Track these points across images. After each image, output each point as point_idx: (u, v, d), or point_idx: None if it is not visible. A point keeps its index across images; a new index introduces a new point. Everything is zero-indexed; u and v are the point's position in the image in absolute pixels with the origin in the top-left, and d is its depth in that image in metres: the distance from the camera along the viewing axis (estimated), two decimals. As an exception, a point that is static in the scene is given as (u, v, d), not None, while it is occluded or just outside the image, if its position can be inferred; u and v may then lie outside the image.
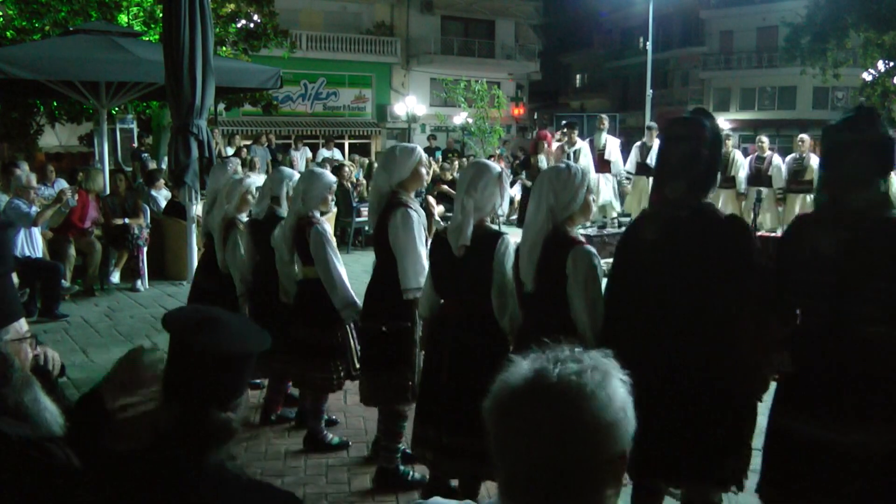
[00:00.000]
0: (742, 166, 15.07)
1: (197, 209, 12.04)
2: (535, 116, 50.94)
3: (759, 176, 15.01)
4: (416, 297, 4.86)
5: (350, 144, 39.64)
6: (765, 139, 15.69)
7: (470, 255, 4.42)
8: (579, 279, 3.97)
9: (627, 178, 15.53)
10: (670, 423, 3.69)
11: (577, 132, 15.05)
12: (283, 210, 6.14)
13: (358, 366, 5.64)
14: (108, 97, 14.00)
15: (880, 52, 28.48)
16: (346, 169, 16.79)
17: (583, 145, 14.80)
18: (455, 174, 18.05)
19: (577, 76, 63.13)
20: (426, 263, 4.83)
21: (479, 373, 3.54)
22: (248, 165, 17.90)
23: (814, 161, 14.52)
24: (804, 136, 15.32)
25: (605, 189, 15.23)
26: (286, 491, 2.25)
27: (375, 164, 19.51)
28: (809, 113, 47.13)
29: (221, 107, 22.06)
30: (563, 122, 17.68)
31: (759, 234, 13.41)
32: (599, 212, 14.95)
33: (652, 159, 14.95)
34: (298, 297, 5.83)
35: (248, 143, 24.39)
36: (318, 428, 5.99)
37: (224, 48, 19.60)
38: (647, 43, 33.85)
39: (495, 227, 4.65)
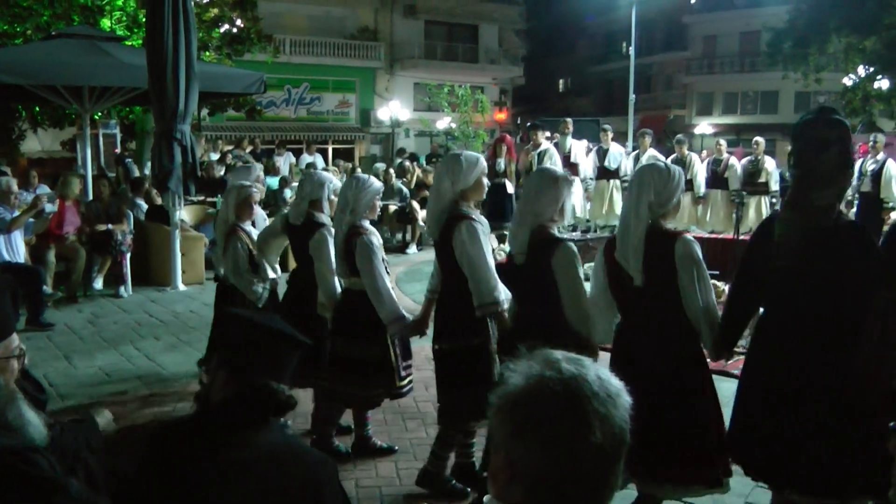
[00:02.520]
0: (699, 170, 15.24)
1: (181, 214, 12.03)
2: (519, 121, 51.03)
3: (716, 178, 15.26)
4: (494, 311, 4.75)
5: (334, 149, 39.59)
6: (723, 142, 16.07)
7: (529, 262, 4.51)
8: (687, 268, 4.03)
9: (591, 180, 15.63)
10: (801, 428, 3.74)
11: (541, 134, 15.07)
12: (325, 216, 5.99)
13: (400, 383, 5.57)
14: (91, 102, 13.95)
15: (861, 56, 28.73)
16: (329, 174, 16.76)
17: (548, 147, 14.82)
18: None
19: (561, 81, 63.28)
20: (496, 275, 4.79)
21: None
22: (231, 169, 17.84)
23: (769, 164, 14.98)
24: (759, 138, 15.64)
25: (575, 194, 15.25)
26: (323, 455, 2.70)
27: (360, 170, 19.52)
28: (792, 117, 47.36)
29: (205, 112, 21.99)
30: (528, 123, 17.82)
31: (707, 235, 13.78)
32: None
33: (611, 162, 15.48)
34: (340, 308, 5.66)
35: (231, 147, 24.34)
36: (364, 434, 5.98)
37: (207, 53, 19.56)
38: (630, 48, 33.95)
39: (560, 233, 4.67)
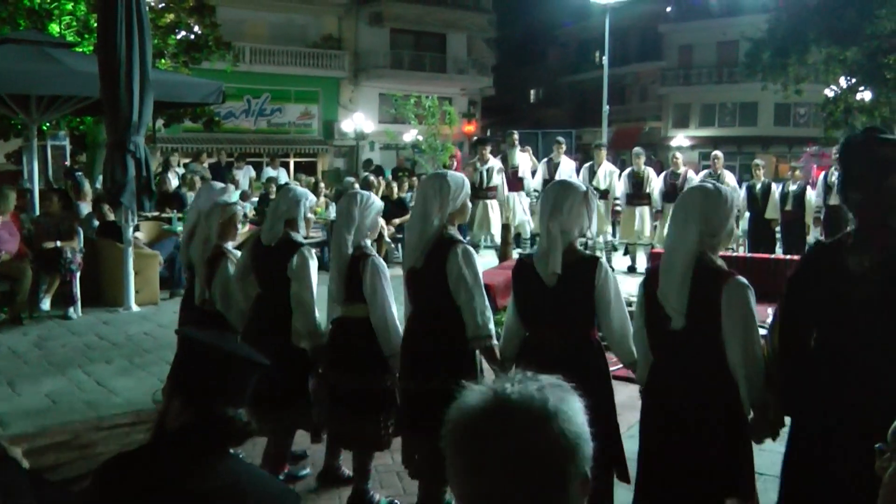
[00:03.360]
0: (656, 184, 15.47)
1: (135, 231, 11.90)
2: (489, 133, 51.24)
3: (675, 192, 15.22)
4: (487, 345, 4.70)
5: (295, 163, 39.48)
6: (679, 155, 16.26)
7: (563, 282, 4.33)
8: (734, 317, 3.75)
9: (535, 194, 15.76)
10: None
11: (489, 149, 15.31)
12: (301, 236, 5.79)
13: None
14: (38, 112, 13.79)
15: (842, 67, 29.03)
16: (293, 188, 16.71)
17: (495, 163, 15.03)
18: (405, 193, 18.07)
19: (532, 91, 63.61)
20: (489, 306, 4.72)
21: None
22: (189, 185, 17.75)
23: (729, 178, 15.24)
24: (717, 152, 16.12)
25: (518, 209, 15.55)
26: (286, 487, 2.74)
27: (322, 184, 19.45)
28: (771, 129, 48.19)
29: (160, 123, 21.85)
30: (475, 138, 18.05)
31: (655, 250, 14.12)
32: (516, 231, 15.56)
33: (561, 177, 15.19)
34: (338, 340, 5.40)
35: (188, 160, 24.18)
36: (364, 488, 5.48)
37: (163, 61, 19.45)
38: (604, 57, 34.12)
39: (588, 250, 4.58)
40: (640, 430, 4.15)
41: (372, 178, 18.98)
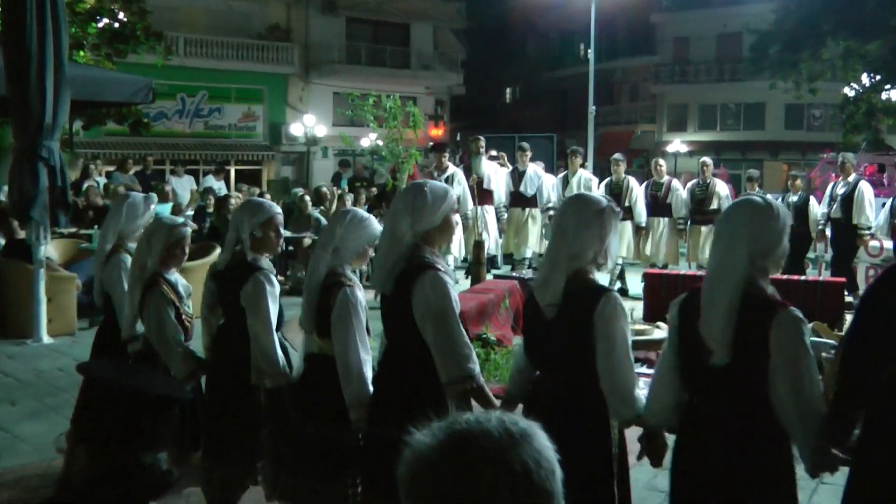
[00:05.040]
0: (638, 195, 15.63)
1: (47, 250, 11.74)
2: (459, 137, 51.29)
3: (657, 205, 15.82)
4: (468, 388, 4.46)
5: (237, 171, 39.38)
6: (662, 162, 16.61)
7: (563, 315, 4.21)
8: (786, 355, 3.70)
9: (504, 208, 15.90)
10: None
11: (447, 156, 15.52)
12: (264, 258, 5.68)
13: None
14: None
15: (863, 63, 28.88)
16: (232, 201, 16.57)
17: (455, 171, 15.12)
18: (362, 206, 17.99)
19: (509, 90, 63.97)
20: (468, 342, 4.51)
21: (571, 462, 3.56)
22: (113, 197, 17.58)
23: (720, 188, 15.75)
24: (706, 159, 16.41)
25: (490, 224, 15.73)
26: None
27: (268, 196, 19.31)
28: (781, 133, 48.35)
29: (78, 125, 21.66)
30: (430, 143, 18.14)
31: (666, 271, 14.27)
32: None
33: (527, 187, 16.02)
34: (308, 380, 5.25)
35: (112, 168, 23.98)
36: None
37: (82, 53, 19.29)
38: (590, 51, 34.31)
39: (602, 278, 4.33)
40: (671, 477, 4.14)
41: (325, 188, 18.93)
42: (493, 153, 17.61)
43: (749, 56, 33.40)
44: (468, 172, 15.48)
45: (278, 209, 5.80)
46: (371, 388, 4.86)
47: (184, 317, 5.97)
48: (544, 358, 4.40)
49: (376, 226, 5.20)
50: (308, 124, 38.06)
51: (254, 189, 22.88)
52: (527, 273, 14.20)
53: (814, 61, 29.60)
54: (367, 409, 4.81)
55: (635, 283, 15.51)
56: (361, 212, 5.31)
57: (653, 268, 14.85)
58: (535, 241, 16.12)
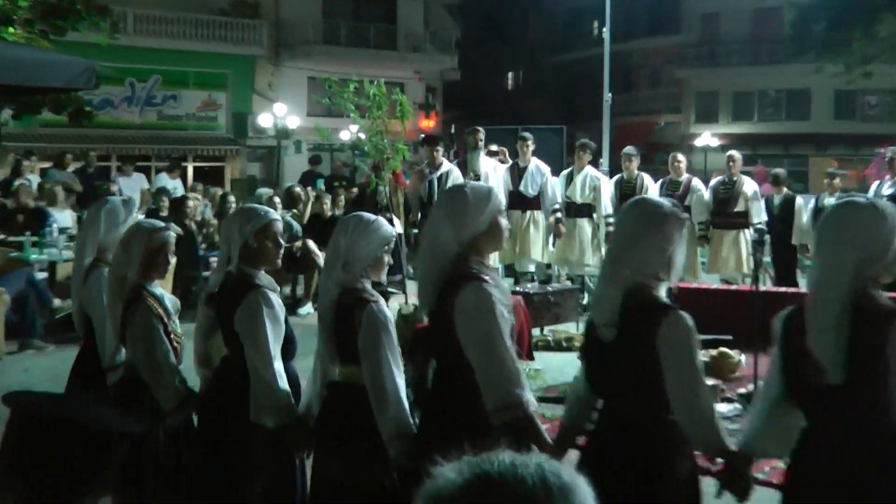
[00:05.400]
0: (653, 195, 15.30)
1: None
2: (454, 130, 51.23)
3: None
4: (516, 417, 4.43)
5: (195, 168, 39.32)
6: (681, 158, 16.31)
7: (622, 337, 4.23)
8: None
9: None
10: None
11: (440, 150, 15.47)
12: (262, 273, 5.65)
13: None
14: None
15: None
16: (191, 203, 16.49)
17: (450, 168, 15.14)
18: (340, 210, 17.85)
19: (510, 75, 64.13)
20: (517, 365, 4.51)
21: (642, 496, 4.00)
22: (49, 198, 17.49)
23: (748, 187, 15.43)
24: (734, 153, 16.33)
25: None
26: None
27: (232, 198, 19.20)
28: (830, 125, 47.95)
29: (7, 114, 21.56)
30: (421, 136, 18.04)
31: (705, 286, 14.33)
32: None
33: (528, 186, 15.66)
34: (328, 412, 5.28)
35: (48, 165, 23.86)
36: None
37: (11, 29, 19.17)
38: (605, 30, 34.25)
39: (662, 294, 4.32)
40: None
41: (298, 189, 18.79)
42: (493, 148, 17.48)
43: (790, 34, 33.26)
44: (464, 170, 15.43)
45: (276, 215, 5.78)
46: (409, 419, 4.93)
47: (172, 336, 5.95)
48: (606, 384, 4.46)
49: (387, 228, 5.27)
50: (279, 114, 38.01)
51: (215, 189, 22.80)
52: (532, 287, 14.03)
53: (867, 40, 29.39)
54: (410, 441, 4.86)
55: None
56: (367, 215, 5.35)
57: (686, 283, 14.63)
58: (538, 251, 15.93)
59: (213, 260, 14.68)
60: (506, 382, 4.44)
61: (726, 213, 15.31)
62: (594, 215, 15.71)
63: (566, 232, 15.53)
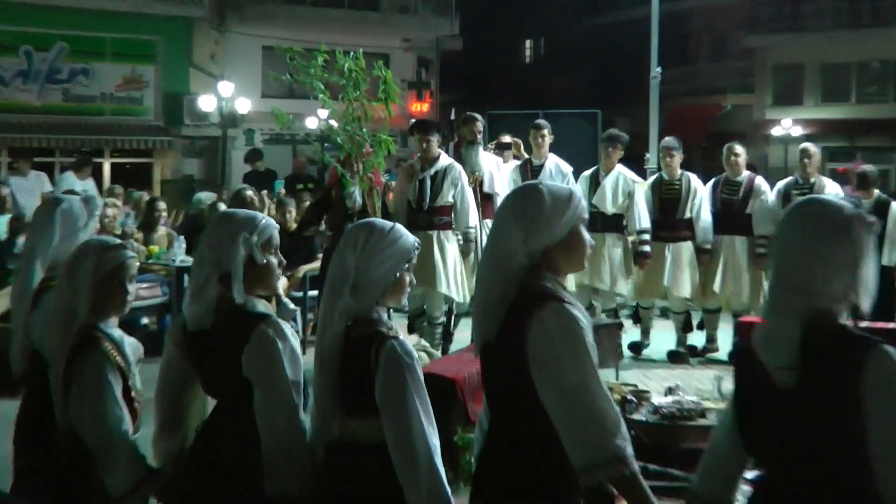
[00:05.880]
0: (703, 201, 15.47)
1: None
2: (454, 115, 51.18)
3: (730, 215, 15.46)
4: (614, 474, 4.38)
5: (114, 166, 39.39)
6: (739, 150, 15.72)
7: (806, 384, 4.06)
8: None
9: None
10: None
11: (436, 140, 15.11)
12: (260, 301, 5.52)
13: None
14: None
15: None
16: (108, 212, 16.63)
17: (450, 164, 14.85)
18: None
19: (528, 44, 64.12)
20: (616, 409, 4.45)
21: None
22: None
23: (830, 190, 15.00)
24: (809, 145, 15.89)
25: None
26: None
27: (162, 205, 19.39)
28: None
29: None
30: (414, 121, 17.83)
31: (742, 318, 14.19)
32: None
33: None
34: (329, 480, 5.22)
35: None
36: None
37: None
38: (651, -16, 34.41)
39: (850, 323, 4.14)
40: None
41: (250, 192, 18.87)
42: (506, 139, 17.59)
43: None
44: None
45: (274, 223, 5.64)
46: (446, 488, 4.89)
47: (133, 394, 5.87)
48: (777, 448, 4.24)
49: (408, 238, 5.24)
50: (224, 94, 37.91)
51: (140, 194, 22.91)
52: (600, 319, 14.21)
53: None
54: None
55: (721, 337, 15.71)
56: (381, 222, 5.34)
57: (741, 315, 14.78)
58: None
59: (144, 287, 14.93)
60: (603, 431, 4.35)
61: None
62: (625, 230, 15.69)
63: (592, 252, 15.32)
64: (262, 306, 5.48)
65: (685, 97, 50.29)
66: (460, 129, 16.98)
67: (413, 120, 17.61)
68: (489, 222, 14.90)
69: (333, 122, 15.28)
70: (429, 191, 14.56)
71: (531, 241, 4.64)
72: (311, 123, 30.69)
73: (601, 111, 24.33)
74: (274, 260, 5.53)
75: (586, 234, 4.82)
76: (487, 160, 16.04)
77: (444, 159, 15.02)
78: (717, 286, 15.42)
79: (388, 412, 4.92)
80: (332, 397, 5.13)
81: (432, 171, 14.75)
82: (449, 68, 50.93)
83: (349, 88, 14.46)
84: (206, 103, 39.04)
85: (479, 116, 16.20)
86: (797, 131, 45.27)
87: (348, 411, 5.12)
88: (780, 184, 15.77)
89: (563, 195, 4.75)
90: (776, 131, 45.69)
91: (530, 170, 16.05)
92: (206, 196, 19.45)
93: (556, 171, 15.96)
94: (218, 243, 5.41)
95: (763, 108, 51.18)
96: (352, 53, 14.70)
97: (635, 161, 16.31)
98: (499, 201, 14.91)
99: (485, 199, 15.57)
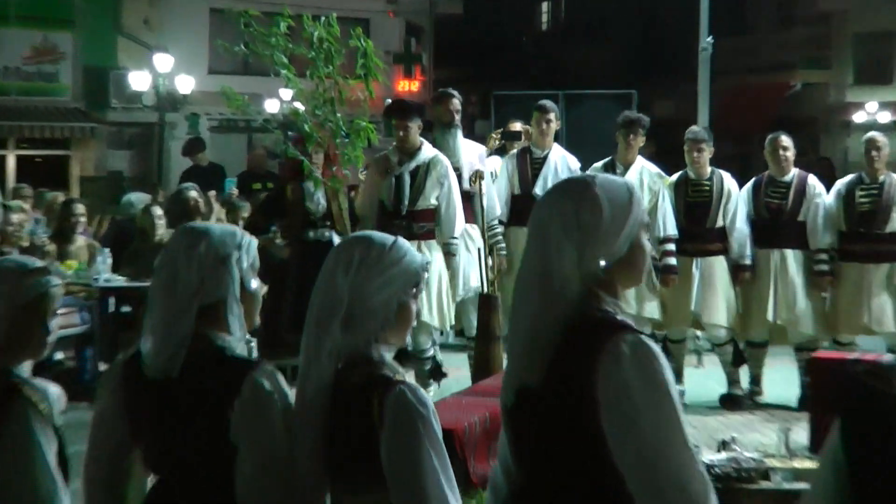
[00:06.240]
0: (738, 206, 15.29)
1: None
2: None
3: (780, 226, 15.20)
4: None
5: (20, 159, 39.48)
6: (786, 142, 15.33)
7: None
8: None
9: (499, 226, 15.34)
10: None
11: (416, 126, 14.74)
12: (239, 339, 5.27)
13: None
14: None
15: None
16: (14, 218, 16.68)
17: (435, 157, 14.60)
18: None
19: (544, 7, 64.34)
20: (703, 469, 4.27)
21: None
22: None
23: None
24: (876, 135, 15.50)
25: (466, 262, 15.10)
26: None
27: (81, 208, 19.44)
28: None
29: None
30: (390, 101, 17.49)
31: (817, 354, 13.72)
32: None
33: (548, 181, 15.22)
34: None
35: None
36: None
37: None
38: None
39: None
40: None
41: (193, 193, 18.93)
42: (517, 126, 17.60)
43: None
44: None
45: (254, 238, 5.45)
46: None
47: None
48: None
49: (415, 256, 5.06)
50: (162, 70, 38.07)
51: (54, 194, 22.94)
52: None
53: None
54: None
55: (779, 375, 15.66)
56: (379, 235, 5.15)
57: (805, 350, 14.62)
58: None
59: (59, 314, 14.86)
60: (692, 499, 4.20)
61: (871, 234, 14.79)
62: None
63: None
64: (241, 348, 5.28)
65: (743, 75, 50.34)
66: (434, 109, 16.30)
67: (388, 101, 16.72)
68: (469, 227, 15.16)
69: (299, 106, 15.17)
70: (408, 190, 14.37)
71: (589, 254, 4.38)
72: (272, 107, 30.85)
73: (636, 92, 24.40)
74: (258, 287, 5.38)
75: (647, 244, 4.58)
76: (468, 149, 15.68)
77: (428, 150, 14.76)
78: (769, 313, 15.01)
79: (399, 482, 4.67)
80: (318, 466, 4.89)
81: (412, 165, 14.57)
82: (445, 38, 51.19)
83: (319, 63, 14.28)
84: (139, 81, 39.19)
85: (454, 93, 15.67)
86: (885, 117, 45.20)
87: (343, 484, 4.95)
88: (840, 183, 15.45)
89: (622, 196, 4.48)
90: (858, 117, 45.76)
91: (530, 162, 15.92)
92: (137, 198, 19.36)
93: (563, 164, 15.87)
94: (200, 265, 5.15)
95: (842, 88, 51.20)
96: (323, 19, 14.43)
97: (677, 154, 16.06)
98: (487, 205, 15.02)
99: (463, 199, 15.01)
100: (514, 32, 60.58)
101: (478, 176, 14.83)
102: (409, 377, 4.78)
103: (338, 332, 4.82)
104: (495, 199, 15.51)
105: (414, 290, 4.99)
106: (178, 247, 5.25)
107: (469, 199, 15.14)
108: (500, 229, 15.44)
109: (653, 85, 42.66)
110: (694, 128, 16.33)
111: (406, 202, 14.40)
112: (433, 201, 14.49)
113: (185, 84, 38.57)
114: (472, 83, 47.22)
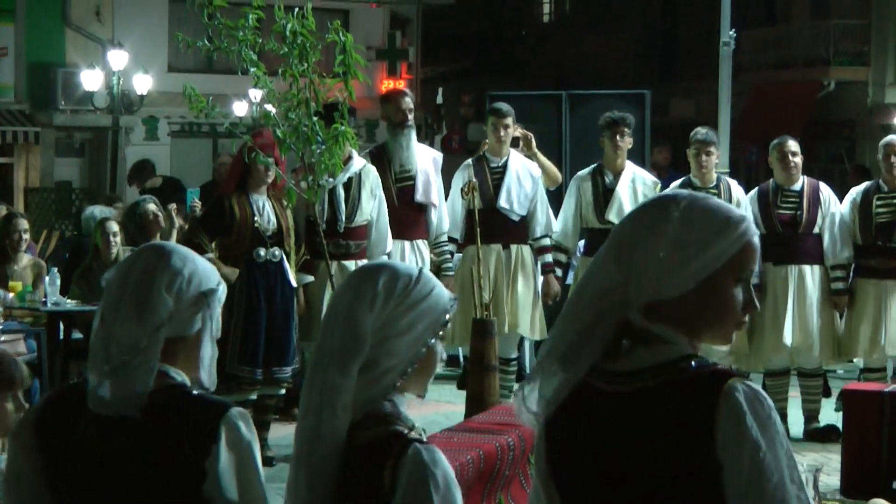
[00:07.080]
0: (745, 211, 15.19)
1: None
2: (440, 98, 51.49)
3: (795, 239, 15.36)
4: None
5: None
6: (794, 146, 15.71)
7: None
8: None
9: (448, 244, 15.35)
10: None
11: (409, 131, 15.27)
12: (206, 374, 5.07)
13: None
14: None
15: None
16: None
17: (416, 158, 15.06)
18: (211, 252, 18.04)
19: (546, -2, 64.51)
20: None
21: None
22: None
23: None
24: (894, 137, 15.84)
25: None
26: None
27: (24, 223, 19.49)
28: None
29: None
30: (325, 103, 17.34)
31: (850, 386, 13.72)
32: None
33: (512, 200, 15.53)
34: None
35: None
36: None
37: None
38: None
39: None
40: None
41: (152, 206, 18.99)
42: (518, 130, 17.68)
43: None
44: (379, 163, 15.27)
45: None
46: None
47: None
48: None
49: (441, 291, 4.78)
50: (116, 67, 38.11)
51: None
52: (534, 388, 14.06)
53: None
54: None
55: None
56: (403, 265, 4.94)
57: (810, 376, 14.92)
58: (526, 319, 15.95)
59: (4, 342, 14.94)
60: None
61: (890, 248, 14.91)
62: None
63: None
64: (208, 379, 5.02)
65: (770, 72, 50.37)
66: (385, 105, 16.36)
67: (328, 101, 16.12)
68: (421, 244, 15.33)
69: (271, 108, 15.14)
70: (342, 205, 14.45)
71: (667, 281, 3.92)
72: (240, 109, 30.93)
73: (649, 91, 24.43)
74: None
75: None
76: (422, 154, 15.74)
77: (357, 160, 14.87)
78: (786, 336, 14.91)
79: None
80: None
81: (345, 176, 14.62)
82: (435, 31, 51.28)
83: (293, 60, 14.25)
84: (90, 80, 39.17)
85: (407, 91, 15.79)
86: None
87: None
88: (855, 191, 15.65)
89: (722, 215, 4.01)
90: (897, 120, 45.78)
91: (488, 171, 15.82)
92: (102, 212, 19.31)
93: (525, 173, 15.92)
94: (179, 294, 4.88)
95: (881, 87, 51.02)
96: (297, 10, 14.38)
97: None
98: (437, 214, 15.29)
99: (415, 212, 15.29)
100: (512, 26, 60.70)
101: (471, 187, 14.73)
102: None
103: (352, 379, 4.48)
104: (444, 213, 15.54)
105: (442, 331, 4.69)
106: (150, 268, 4.94)
107: (422, 210, 15.28)
108: (449, 247, 15.49)
109: (667, 84, 42.83)
110: (701, 128, 16.45)
111: (342, 217, 14.48)
112: (368, 216, 14.55)
113: (142, 83, 38.54)
114: (464, 82, 47.34)
